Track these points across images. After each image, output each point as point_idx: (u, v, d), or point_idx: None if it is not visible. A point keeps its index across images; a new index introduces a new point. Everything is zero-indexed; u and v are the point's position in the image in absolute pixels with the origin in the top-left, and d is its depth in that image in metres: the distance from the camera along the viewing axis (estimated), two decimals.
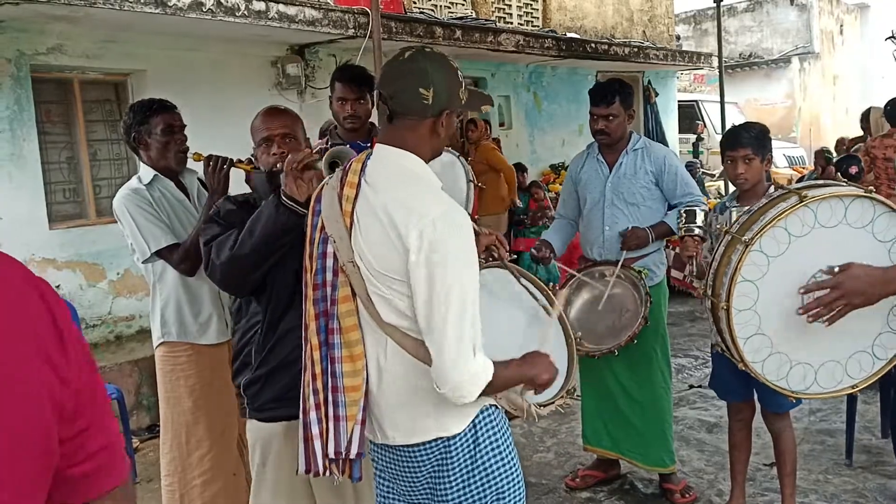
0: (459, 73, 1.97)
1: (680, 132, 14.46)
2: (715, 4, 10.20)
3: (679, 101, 14.58)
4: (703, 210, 3.29)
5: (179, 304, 3.09)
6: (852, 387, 2.30)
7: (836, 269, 2.02)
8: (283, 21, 6.19)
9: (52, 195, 5.97)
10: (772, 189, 3.27)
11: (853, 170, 5.44)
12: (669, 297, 4.14)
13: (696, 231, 3.18)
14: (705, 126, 14.89)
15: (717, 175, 12.81)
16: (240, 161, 2.98)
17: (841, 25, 21.04)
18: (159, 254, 2.99)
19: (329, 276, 2.02)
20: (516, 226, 8.80)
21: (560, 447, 4.54)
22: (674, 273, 6.64)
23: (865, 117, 8.68)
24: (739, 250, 2.04)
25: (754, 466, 3.84)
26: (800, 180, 10.35)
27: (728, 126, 10.96)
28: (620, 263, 3.63)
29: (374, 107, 3.97)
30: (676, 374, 5.48)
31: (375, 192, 1.90)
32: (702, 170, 13.14)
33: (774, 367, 2.23)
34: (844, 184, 2.27)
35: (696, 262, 3.18)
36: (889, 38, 6.25)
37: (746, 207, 2.28)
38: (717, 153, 12.77)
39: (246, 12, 5.89)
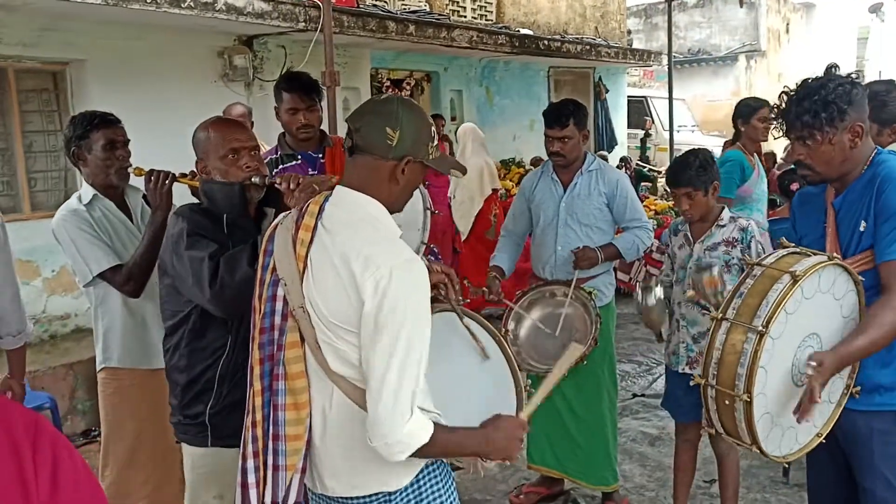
0: (433, 129, 1.94)
1: (629, 127, 14.59)
2: (666, 3, 10.29)
3: (628, 97, 14.69)
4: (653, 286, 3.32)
5: (123, 328, 2.97)
6: (818, 435, 2.33)
7: (813, 365, 2.07)
8: (230, 13, 6.00)
9: None
10: (725, 214, 3.29)
11: (794, 187, 5.39)
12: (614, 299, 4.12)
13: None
14: (653, 122, 15.03)
15: (663, 171, 12.94)
16: (182, 175, 2.87)
17: (787, 24, 21.44)
18: (102, 276, 2.86)
19: (278, 319, 1.94)
20: None
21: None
22: (619, 275, 6.67)
23: None
24: (752, 339, 2.01)
25: (694, 484, 3.89)
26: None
27: (675, 124, 11.16)
28: (574, 284, 3.61)
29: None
30: (620, 381, 5.48)
31: (332, 238, 1.84)
32: (648, 166, 13.27)
33: (776, 440, 2.24)
34: (793, 246, 2.30)
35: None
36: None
37: (732, 288, 2.25)
38: (665, 149, 12.81)
39: (192, 3, 5.69)
